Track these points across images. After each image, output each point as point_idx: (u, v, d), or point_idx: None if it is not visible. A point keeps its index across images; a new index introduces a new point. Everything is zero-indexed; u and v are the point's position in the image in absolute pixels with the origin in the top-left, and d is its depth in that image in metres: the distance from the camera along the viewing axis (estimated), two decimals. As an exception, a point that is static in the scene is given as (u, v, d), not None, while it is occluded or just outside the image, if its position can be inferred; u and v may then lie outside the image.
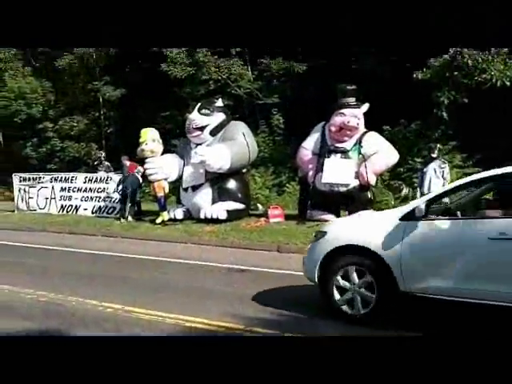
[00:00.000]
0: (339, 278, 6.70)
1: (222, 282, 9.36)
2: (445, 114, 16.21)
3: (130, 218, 16.68)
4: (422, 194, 12.00)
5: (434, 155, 12.07)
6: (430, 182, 11.91)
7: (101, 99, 27.58)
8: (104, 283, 9.28)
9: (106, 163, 20.84)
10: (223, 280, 9.58)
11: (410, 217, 6.38)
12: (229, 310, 7.31)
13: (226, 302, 7.88)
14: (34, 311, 7.43)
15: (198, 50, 21.69)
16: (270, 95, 22.27)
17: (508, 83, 15.03)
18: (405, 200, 17.29)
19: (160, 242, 14.23)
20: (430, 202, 6.42)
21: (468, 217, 6.46)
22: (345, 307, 6.71)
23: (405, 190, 17.49)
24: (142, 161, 18.56)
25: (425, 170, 12.01)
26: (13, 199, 20.87)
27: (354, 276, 6.61)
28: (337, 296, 6.75)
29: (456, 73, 15.37)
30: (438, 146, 12.35)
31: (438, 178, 11.98)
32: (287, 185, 20.34)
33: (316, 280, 7.00)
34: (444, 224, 6.26)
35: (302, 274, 7.59)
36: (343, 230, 7.27)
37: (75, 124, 27.80)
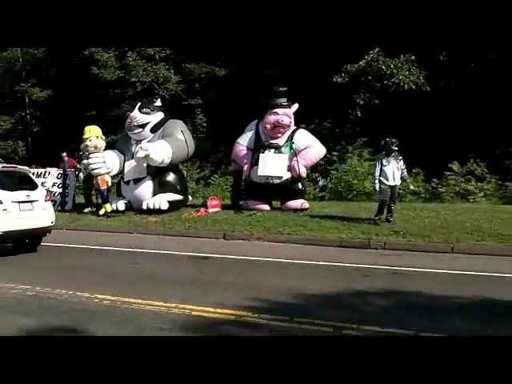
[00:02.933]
0: None
1: (194, 270, 8.57)
2: (359, 114, 16.17)
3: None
4: (381, 185, 11.70)
5: (395, 148, 11.71)
6: (393, 173, 11.65)
7: (27, 100, 25.61)
8: (83, 275, 8.18)
9: None
10: (194, 267, 8.77)
11: None
12: (223, 297, 6.59)
13: (215, 289, 7.15)
14: (29, 307, 6.33)
15: (128, 55, 20.48)
16: (193, 97, 21.43)
17: (414, 86, 15.16)
18: (322, 190, 17.14)
19: (108, 232, 13.09)
20: None
21: None
22: None
23: (321, 182, 17.31)
24: (77, 157, 17.34)
25: (386, 162, 11.68)
26: None
27: None
28: None
29: (370, 77, 15.38)
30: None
31: (398, 169, 11.76)
32: (212, 177, 19.69)
33: None
34: None
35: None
36: None
37: (2, 123, 25.66)
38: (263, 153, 13.74)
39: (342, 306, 6.37)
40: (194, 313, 5.94)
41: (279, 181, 13.59)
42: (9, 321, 5.74)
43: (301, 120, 15.87)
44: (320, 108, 17.01)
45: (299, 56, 17.57)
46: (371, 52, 15.17)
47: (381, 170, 11.69)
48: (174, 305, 6.20)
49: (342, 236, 11.01)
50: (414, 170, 15.80)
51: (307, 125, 17.27)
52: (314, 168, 16.71)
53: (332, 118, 17.63)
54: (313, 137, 14.21)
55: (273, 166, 13.61)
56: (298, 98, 13.95)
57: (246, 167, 14.11)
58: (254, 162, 13.81)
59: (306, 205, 13.76)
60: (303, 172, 13.65)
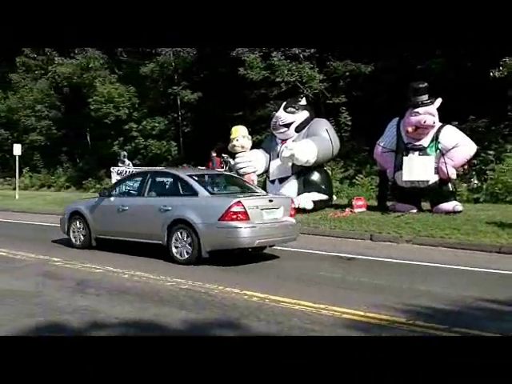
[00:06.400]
0: None
1: (340, 270, 8.39)
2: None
3: None
4: None
5: None
6: None
7: (179, 102, 27.01)
8: (232, 270, 8.42)
9: (127, 161, 21.62)
10: (339, 268, 8.61)
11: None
12: (372, 301, 6.36)
13: (363, 291, 6.95)
14: (183, 300, 6.59)
15: (272, 55, 20.75)
16: (338, 95, 21.21)
17: None
18: (476, 191, 15.94)
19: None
20: None
21: None
22: None
23: (474, 181, 16.22)
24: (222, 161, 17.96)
25: None
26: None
27: None
28: None
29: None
30: None
31: None
32: (356, 177, 19.31)
33: None
34: None
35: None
36: None
37: (156, 124, 27.31)
38: (407, 155, 13.04)
39: (504, 317, 5.86)
40: (344, 315, 5.78)
41: (426, 185, 12.93)
42: (164, 313, 6.00)
43: (453, 117, 15.01)
44: (475, 104, 15.95)
45: (452, 50, 16.62)
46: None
47: None
48: (322, 306, 6.10)
49: (501, 241, 10.17)
50: None
51: (460, 123, 16.32)
52: (466, 167, 15.74)
53: (488, 115, 16.45)
54: (461, 133, 13.23)
55: (418, 170, 12.86)
56: (451, 95, 13.14)
57: (389, 170, 13.65)
58: (398, 166, 13.19)
59: (459, 207, 12.94)
60: (452, 174, 12.84)
